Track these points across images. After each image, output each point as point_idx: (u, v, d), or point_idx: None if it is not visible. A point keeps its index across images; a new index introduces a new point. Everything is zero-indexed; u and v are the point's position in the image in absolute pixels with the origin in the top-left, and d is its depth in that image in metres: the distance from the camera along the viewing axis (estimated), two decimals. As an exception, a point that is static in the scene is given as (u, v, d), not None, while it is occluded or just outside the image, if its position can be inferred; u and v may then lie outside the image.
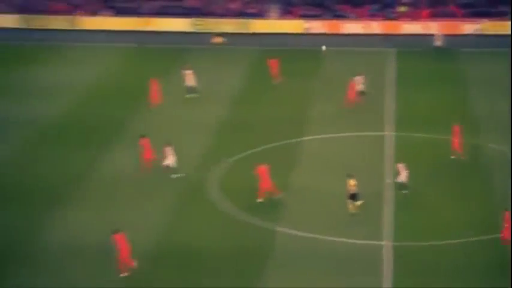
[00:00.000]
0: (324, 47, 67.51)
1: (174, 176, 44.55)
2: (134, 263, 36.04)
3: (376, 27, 76.51)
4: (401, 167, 43.32)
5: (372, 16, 78.24)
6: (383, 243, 38.82)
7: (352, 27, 76.91)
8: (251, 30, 76.58)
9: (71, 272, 36.42)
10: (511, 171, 45.38)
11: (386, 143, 50.47)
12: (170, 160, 44.49)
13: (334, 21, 77.72)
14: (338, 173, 44.31)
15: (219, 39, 72.26)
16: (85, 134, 52.06)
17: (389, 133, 52.09)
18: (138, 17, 78.38)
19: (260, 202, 42.29)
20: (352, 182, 40.51)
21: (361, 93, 56.31)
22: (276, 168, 46.68)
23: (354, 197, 40.44)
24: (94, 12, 79.34)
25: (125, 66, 66.92)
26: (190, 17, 77.93)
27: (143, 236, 39.39)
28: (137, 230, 39.83)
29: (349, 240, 38.99)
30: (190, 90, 58.17)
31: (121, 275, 35.79)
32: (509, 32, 71.29)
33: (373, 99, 57.71)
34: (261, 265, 36.97)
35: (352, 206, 40.54)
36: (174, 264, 37.20)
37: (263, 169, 42.20)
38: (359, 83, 56.45)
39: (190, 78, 58.29)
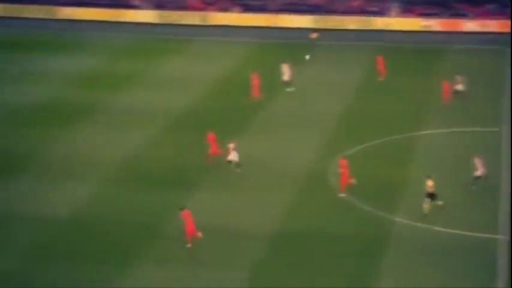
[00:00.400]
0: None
1: (238, 170, 44.31)
2: (199, 235, 36.65)
3: (494, 25, 74.16)
4: (478, 161, 41.75)
5: (490, 15, 75.89)
6: (497, 236, 37.58)
7: (469, 25, 74.76)
8: (371, 28, 75.47)
9: (200, 250, 36.69)
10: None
11: (502, 139, 48.85)
12: (233, 156, 44.53)
13: (451, 20, 75.73)
14: (453, 166, 43.16)
15: (314, 35, 71.40)
16: (212, 123, 52.23)
17: (504, 130, 50.38)
18: (265, 13, 78.37)
19: (377, 193, 41.60)
20: (430, 183, 39.38)
21: (458, 92, 54.57)
22: (391, 161, 45.86)
23: (431, 196, 39.30)
24: (224, 9, 79.83)
25: (251, 60, 66.85)
26: (313, 14, 77.37)
27: (264, 220, 39.36)
28: (259, 215, 39.92)
29: (464, 233, 37.93)
30: (287, 84, 57.62)
31: (187, 246, 36.58)
32: None
33: (489, 96, 56.06)
34: (378, 253, 36.37)
35: (428, 205, 39.22)
36: (295, 247, 37.09)
37: (343, 162, 41.63)
38: (458, 83, 54.73)
39: (286, 72, 57.70)
